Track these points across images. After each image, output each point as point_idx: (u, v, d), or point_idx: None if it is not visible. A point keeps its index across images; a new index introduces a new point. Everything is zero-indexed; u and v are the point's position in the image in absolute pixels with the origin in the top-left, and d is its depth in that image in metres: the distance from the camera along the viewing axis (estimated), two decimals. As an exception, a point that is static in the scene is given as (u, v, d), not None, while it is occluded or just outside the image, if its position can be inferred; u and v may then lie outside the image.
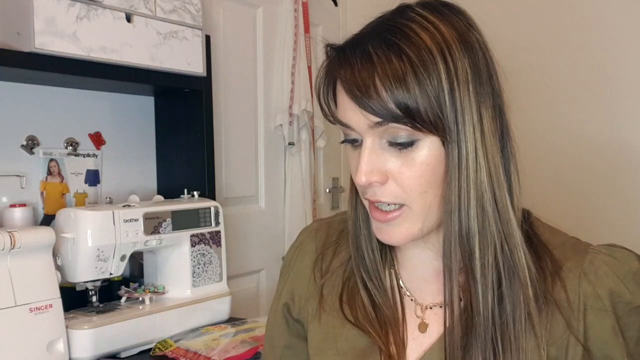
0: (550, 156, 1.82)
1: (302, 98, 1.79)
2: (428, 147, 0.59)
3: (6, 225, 1.16)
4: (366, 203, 0.65)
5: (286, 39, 1.80)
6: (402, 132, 0.59)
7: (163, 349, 1.17)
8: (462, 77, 0.58)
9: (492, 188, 0.60)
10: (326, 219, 0.79)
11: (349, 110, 0.60)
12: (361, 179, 0.60)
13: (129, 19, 1.21)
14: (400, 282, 0.71)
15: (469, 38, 0.60)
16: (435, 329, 0.67)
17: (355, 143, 0.62)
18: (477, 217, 0.60)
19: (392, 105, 0.57)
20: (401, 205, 0.61)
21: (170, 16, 1.30)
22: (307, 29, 1.84)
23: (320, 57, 2.09)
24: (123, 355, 1.15)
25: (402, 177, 0.60)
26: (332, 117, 0.64)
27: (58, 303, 1.06)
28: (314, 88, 0.68)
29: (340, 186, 2.13)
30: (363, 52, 0.59)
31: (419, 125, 0.58)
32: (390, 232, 0.63)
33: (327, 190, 2.09)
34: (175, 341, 1.19)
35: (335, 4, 2.04)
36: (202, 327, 1.28)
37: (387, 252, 0.71)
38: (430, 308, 0.68)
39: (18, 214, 1.17)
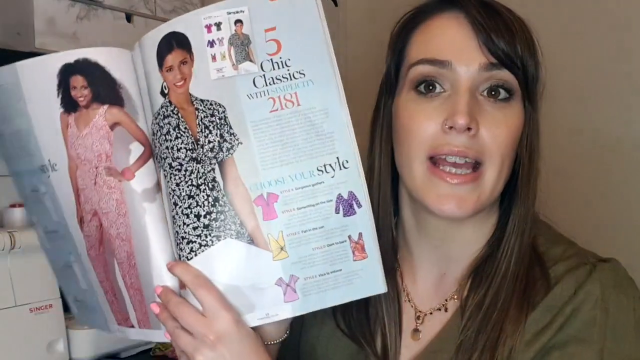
0: (560, 153, 1.81)
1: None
2: (520, 108, 0.61)
3: (6, 226, 1.16)
4: (426, 168, 0.62)
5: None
6: (509, 83, 0.60)
7: (163, 349, 1.16)
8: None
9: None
10: None
11: (461, 46, 0.60)
12: (462, 119, 0.58)
13: (129, 19, 1.21)
14: (403, 284, 0.69)
15: None
16: (427, 336, 0.66)
17: (432, 92, 0.61)
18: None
19: (518, 51, 0.59)
20: (477, 168, 0.60)
21: (170, 16, 1.30)
22: (307, 29, 1.83)
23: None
24: (123, 355, 1.15)
25: (497, 130, 0.60)
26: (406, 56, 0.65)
27: (58, 303, 1.06)
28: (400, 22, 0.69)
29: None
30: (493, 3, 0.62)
31: (527, 82, 0.60)
32: (460, 199, 0.60)
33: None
34: (176, 341, 1.18)
35: (335, 4, 2.04)
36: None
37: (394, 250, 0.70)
38: (431, 313, 0.67)
39: (18, 214, 1.17)
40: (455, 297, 0.66)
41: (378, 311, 0.67)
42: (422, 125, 0.61)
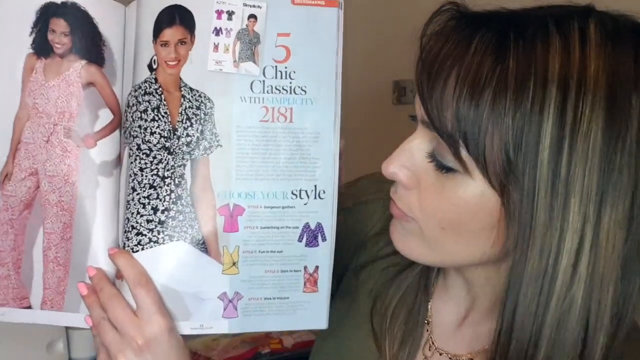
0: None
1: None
2: (480, 188, 0.47)
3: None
4: None
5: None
6: (450, 155, 0.47)
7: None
8: (583, 133, 0.43)
9: (587, 307, 0.46)
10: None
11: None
12: (387, 168, 0.51)
13: None
14: (428, 319, 0.61)
15: (628, 92, 0.44)
16: None
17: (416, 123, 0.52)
18: (552, 327, 0.46)
19: (449, 116, 0.45)
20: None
21: None
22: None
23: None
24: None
25: (427, 199, 0.50)
26: None
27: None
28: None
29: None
30: (469, 30, 0.46)
31: (477, 166, 0.46)
32: (399, 234, 0.54)
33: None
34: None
35: None
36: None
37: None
38: (450, 359, 0.59)
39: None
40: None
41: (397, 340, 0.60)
42: None
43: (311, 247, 0.58)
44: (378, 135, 2.34)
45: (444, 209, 0.49)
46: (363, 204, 0.68)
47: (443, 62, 0.46)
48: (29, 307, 0.59)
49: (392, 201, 0.54)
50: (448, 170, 0.48)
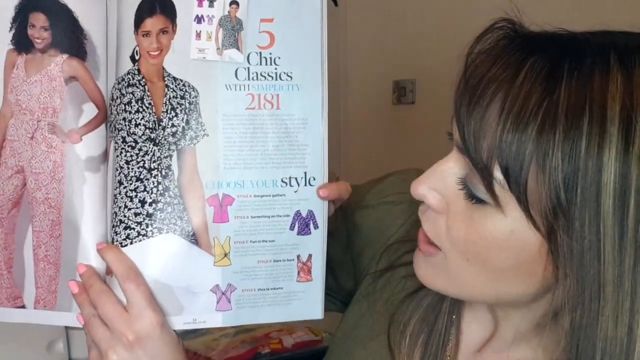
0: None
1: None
2: (511, 225, 0.44)
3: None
4: None
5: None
6: (482, 186, 0.44)
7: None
8: None
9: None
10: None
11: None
12: (417, 189, 0.48)
13: None
14: (450, 342, 0.56)
15: None
16: None
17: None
18: None
19: (485, 146, 0.42)
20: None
21: None
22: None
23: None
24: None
25: (454, 225, 0.47)
26: None
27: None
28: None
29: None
30: (522, 54, 0.43)
31: (519, 205, 0.42)
32: (420, 265, 0.51)
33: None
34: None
35: (336, 4, 1.98)
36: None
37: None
38: None
39: None
40: None
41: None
42: None
43: (303, 235, 0.57)
44: (378, 135, 2.34)
45: (471, 239, 0.46)
46: (388, 204, 0.65)
47: (487, 87, 0.43)
48: (23, 307, 0.58)
49: (421, 229, 0.51)
50: (478, 200, 0.45)
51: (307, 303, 0.58)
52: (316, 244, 0.57)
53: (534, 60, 0.42)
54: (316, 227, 0.57)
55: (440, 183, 0.48)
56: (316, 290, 0.58)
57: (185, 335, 1.38)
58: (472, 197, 0.45)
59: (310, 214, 0.57)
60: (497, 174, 0.42)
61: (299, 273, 0.57)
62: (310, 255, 0.57)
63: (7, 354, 0.98)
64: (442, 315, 0.56)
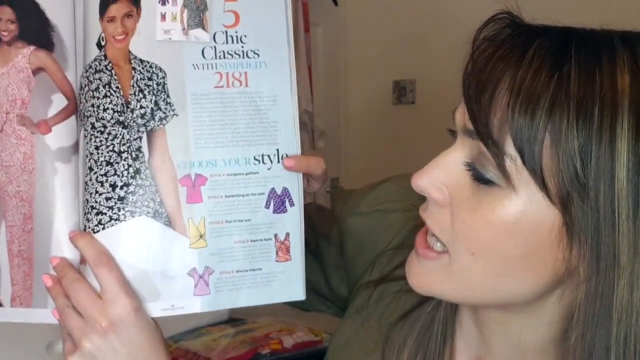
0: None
1: (303, 98, 1.74)
2: (522, 205, 0.43)
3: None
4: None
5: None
6: (492, 166, 0.43)
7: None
8: None
9: None
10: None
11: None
12: (417, 181, 0.47)
13: None
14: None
15: None
16: None
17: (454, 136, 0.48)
18: None
19: (496, 122, 0.42)
20: (445, 251, 0.48)
21: None
22: (307, 29, 1.81)
23: (320, 57, 2.04)
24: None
25: (459, 216, 0.46)
26: None
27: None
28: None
29: (340, 186, 2.07)
30: (526, 37, 0.44)
31: (534, 179, 0.42)
32: (417, 271, 0.49)
33: (327, 190, 2.03)
34: (175, 342, 1.16)
35: (336, 4, 2.02)
36: (202, 327, 1.25)
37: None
38: None
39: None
40: None
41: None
42: None
43: (279, 213, 0.56)
44: (378, 134, 2.34)
45: (478, 227, 0.45)
46: (380, 212, 0.63)
47: (495, 66, 0.43)
48: (0, 305, 0.57)
49: (419, 234, 0.49)
50: (486, 182, 0.44)
51: (288, 284, 0.57)
52: (293, 222, 0.56)
53: (541, 41, 0.43)
54: (292, 204, 0.56)
55: (443, 174, 0.47)
56: (296, 270, 0.57)
57: (185, 336, 1.36)
58: (480, 179, 0.44)
59: (285, 191, 0.56)
60: (509, 148, 0.42)
61: (277, 252, 0.56)
62: (287, 234, 0.56)
63: (6, 354, 0.98)
64: (434, 337, 0.55)
